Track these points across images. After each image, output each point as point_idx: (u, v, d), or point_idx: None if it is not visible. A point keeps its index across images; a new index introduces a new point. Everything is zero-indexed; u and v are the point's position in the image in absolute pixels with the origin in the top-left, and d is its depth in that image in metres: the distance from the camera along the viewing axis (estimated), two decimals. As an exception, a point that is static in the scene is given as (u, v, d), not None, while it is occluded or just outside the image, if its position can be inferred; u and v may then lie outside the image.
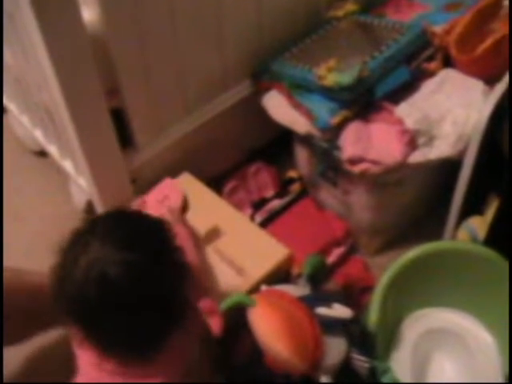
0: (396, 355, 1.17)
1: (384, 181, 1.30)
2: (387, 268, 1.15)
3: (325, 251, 1.38)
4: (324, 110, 1.26)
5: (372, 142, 1.23)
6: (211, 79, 1.39)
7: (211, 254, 1.19)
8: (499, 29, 1.29)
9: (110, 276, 0.74)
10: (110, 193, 1.31)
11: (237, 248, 1.20)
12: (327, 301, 1.06)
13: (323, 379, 0.99)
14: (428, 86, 1.31)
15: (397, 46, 1.30)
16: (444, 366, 1.20)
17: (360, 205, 1.37)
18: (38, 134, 1.51)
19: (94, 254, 0.75)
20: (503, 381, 1.13)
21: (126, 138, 1.30)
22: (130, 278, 0.75)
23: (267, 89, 1.41)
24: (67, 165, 1.41)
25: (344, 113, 1.25)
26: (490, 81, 1.26)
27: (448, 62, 1.33)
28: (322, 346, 0.99)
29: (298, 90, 1.32)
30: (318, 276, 1.15)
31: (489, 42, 1.23)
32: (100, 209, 1.34)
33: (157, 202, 1.25)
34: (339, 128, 1.26)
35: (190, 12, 1.23)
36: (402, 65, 1.30)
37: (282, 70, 1.37)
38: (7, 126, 1.75)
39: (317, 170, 1.42)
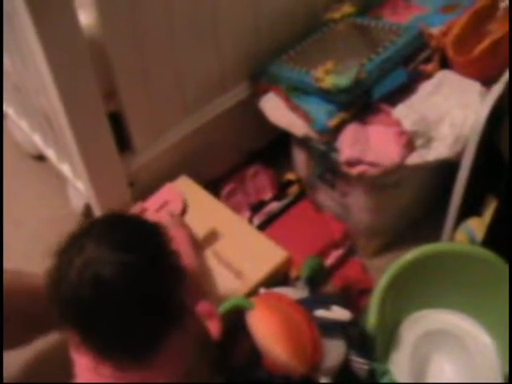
0: (395, 357, 1.17)
1: (382, 183, 1.30)
2: (386, 270, 1.15)
3: (323, 253, 1.38)
4: (321, 112, 1.26)
5: (370, 144, 1.23)
6: (209, 82, 1.39)
7: (209, 256, 1.19)
8: (496, 30, 1.29)
9: (105, 276, 0.74)
10: (108, 196, 1.31)
11: (235, 251, 1.20)
12: (326, 303, 1.06)
13: (322, 381, 0.99)
14: (425, 88, 1.31)
15: (394, 47, 1.30)
16: (443, 368, 1.19)
17: (358, 207, 1.37)
18: (37, 138, 1.51)
19: (89, 255, 0.76)
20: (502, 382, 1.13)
21: (123, 142, 1.30)
22: (124, 278, 0.75)
23: (265, 91, 1.41)
24: (65, 168, 1.41)
25: (341, 115, 1.25)
26: (487, 82, 1.26)
27: (445, 64, 1.34)
28: (321, 349, 0.99)
29: (295, 92, 1.32)
30: (317, 278, 1.15)
31: (486, 43, 1.23)
32: (98, 212, 1.34)
33: (157, 209, 1.26)
34: (337, 130, 1.26)
35: (188, 14, 1.23)
36: (399, 67, 1.30)
37: (279, 73, 1.37)
38: (5, 131, 1.75)
39: (315, 173, 1.42)
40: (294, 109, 1.32)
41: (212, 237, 1.23)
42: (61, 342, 1.21)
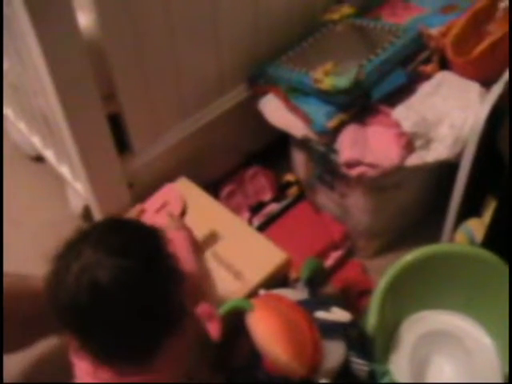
0: (395, 358, 1.17)
1: (381, 184, 1.30)
2: (385, 271, 1.15)
3: (323, 255, 1.38)
4: (321, 113, 1.26)
5: (369, 146, 1.23)
6: (208, 83, 1.39)
7: (209, 258, 1.19)
8: (495, 31, 1.29)
9: (102, 281, 0.74)
10: (107, 198, 1.31)
11: (235, 252, 1.20)
12: (326, 304, 1.06)
13: (322, 382, 0.99)
14: (424, 89, 1.31)
15: (393, 48, 1.29)
16: (443, 368, 1.19)
17: (357, 208, 1.37)
18: (35, 140, 1.50)
19: (86, 260, 0.75)
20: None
21: (123, 143, 1.30)
22: (122, 283, 0.75)
23: (264, 92, 1.41)
24: (64, 170, 1.41)
25: (341, 116, 1.25)
26: (487, 83, 1.26)
27: (444, 65, 1.33)
28: (321, 350, 0.99)
29: (294, 93, 1.32)
30: (316, 280, 1.15)
31: (485, 44, 1.23)
32: (97, 214, 1.34)
33: (156, 210, 1.26)
34: (336, 131, 1.26)
35: (187, 16, 1.23)
36: (398, 67, 1.30)
37: (278, 74, 1.37)
38: (4, 132, 1.75)
39: (314, 174, 1.42)
40: (293, 110, 1.32)
41: (211, 238, 1.23)
42: (61, 345, 1.21)
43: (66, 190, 1.51)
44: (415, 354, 1.18)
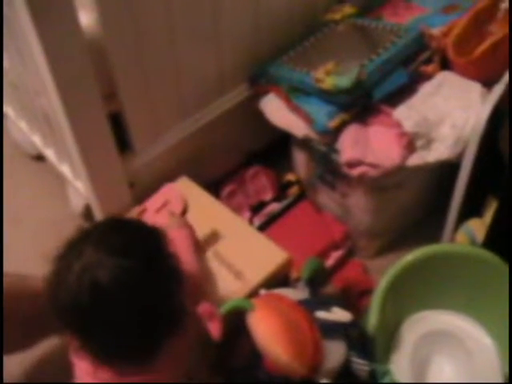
0: (395, 358, 1.17)
1: (382, 184, 1.30)
2: (386, 271, 1.15)
3: (323, 254, 1.38)
4: (322, 113, 1.26)
5: (370, 145, 1.23)
6: (208, 83, 1.39)
7: (210, 258, 1.19)
8: (497, 31, 1.29)
9: (103, 281, 0.74)
10: (108, 197, 1.31)
11: (235, 252, 1.20)
12: (326, 304, 1.06)
13: (322, 382, 0.99)
14: (426, 89, 1.31)
15: (394, 48, 1.29)
16: (443, 368, 1.19)
17: (358, 208, 1.37)
18: (36, 139, 1.50)
19: (88, 260, 0.76)
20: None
21: (124, 142, 1.30)
22: (122, 282, 0.75)
23: (265, 92, 1.41)
24: (65, 169, 1.41)
25: (342, 116, 1.25)
26: (488, 83, 1.26)
27: (446, 65, 1.33)
28: (322, 350, 0.99)
29: (295, 93, 1.32)
30: (317, 279, 1.15)
31: (486, 44, 1.23)
32: (98, 213, 1.34)
33: (157, 209, 1.25)
34: (337, 131, 1.26)
35: (188, 15, 1.23)
36: (399, 67, 1.30)
37: (279, 74, 1.37)
38: (5, 131, 1.75)
39: (315, 173, 1.42)
40: (295, 110, 1.32)
41: (212, 238, 1.23)
42: (61, 346, 1.21)
43: (66, 189, 1.51)
44: (416, 353, 1.18)
